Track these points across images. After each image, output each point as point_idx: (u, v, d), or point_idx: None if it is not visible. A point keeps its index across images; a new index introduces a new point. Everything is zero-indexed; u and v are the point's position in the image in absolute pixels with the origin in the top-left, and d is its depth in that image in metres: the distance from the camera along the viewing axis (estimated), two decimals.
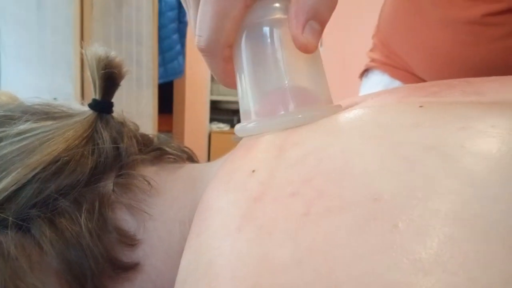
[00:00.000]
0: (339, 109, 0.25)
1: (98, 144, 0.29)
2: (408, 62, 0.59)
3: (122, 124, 0.32)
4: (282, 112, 0.24)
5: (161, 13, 2.07)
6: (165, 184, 0.30)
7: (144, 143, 0.32)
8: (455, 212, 0.14)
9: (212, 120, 3.37)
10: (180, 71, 2.33)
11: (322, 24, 0.24)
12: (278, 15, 0.24)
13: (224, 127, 3.39)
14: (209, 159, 3.06)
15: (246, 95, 0.25)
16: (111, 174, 0.29)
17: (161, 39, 2.11)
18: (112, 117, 0.32)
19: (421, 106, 0.21)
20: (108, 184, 0.29)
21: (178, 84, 2.96)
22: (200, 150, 3.10)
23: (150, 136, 0.34)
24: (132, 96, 1.82)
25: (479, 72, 0.48)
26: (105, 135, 0.30)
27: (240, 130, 0.25)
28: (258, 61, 0.25)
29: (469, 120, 0.19)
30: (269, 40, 0.24)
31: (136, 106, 1.86)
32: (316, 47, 0.24)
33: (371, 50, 0.67)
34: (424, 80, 0.57)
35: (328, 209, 0.16)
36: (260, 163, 0.21)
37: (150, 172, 0.31)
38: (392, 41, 0.61)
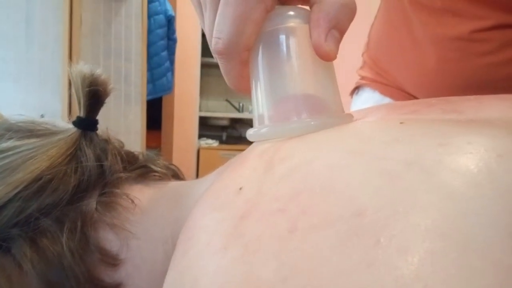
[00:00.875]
0: (350, 118, 0.25)
1: (81, 162, 0.29)
2: (398, 79, 0.59)
3: (107, 141, 0.32)
4: (295, 119, 0.24)
5: (150, 31, 2.08)
6: (150, 202, 0.30)
7: (129, 160, 0.32)
8: (435, 226, 0.15)
9: (200, 136, 3.37)
10: (168, 88, 2.34)
11: (342, 33, 0.24)
12: (295, 23, 0.25)
13: (213, 143, 3.39)
14: (197, 175, 3.04)
15: (260, 100, 0.25)
16: (95, 192, 0.29)
17: (150, 56, 2.12)
18: (97, 135, 0.32)
19: (401, 123, 0.21)
20: (91, 203, 0.28)
21: (167, 100, 2.96)
22: (188, 166, 3.09)
23: (135, 153, 0.34)
24: (120, 112, 1.81)
25: (468, 88, 0.49)
26: (89, 152, 0.30)
27: (253, 135, 0.25)
28: (273, 67, 0.25)
29: (447, 136, 0.19)
30: (285, 47, 0.24)
31: (124, 122, 1.85)
32: (336, 55, 0.24)
33: (361, 68, 0.67)
34: (414, 97, 0.57)
35: (313, 225, 0.16)
36: (248, 180, 0.21)
37: (134, 190, 0.30)
38: (382, 59, 0.61)
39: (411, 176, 0.17)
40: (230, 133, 3.72)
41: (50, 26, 1.44)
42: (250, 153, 0.24)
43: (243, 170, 0.22)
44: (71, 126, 0.31)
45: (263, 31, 0.24)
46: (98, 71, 0.32)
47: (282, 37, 0.24)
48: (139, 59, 1.96)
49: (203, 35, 3.31)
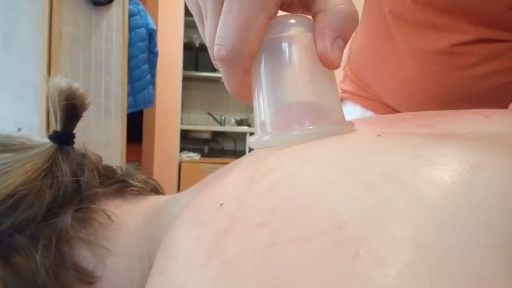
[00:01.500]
0: (351, 126, 0.25)
1: (57, 177, 0.29)
2: (379, 93, 0.60)
3: (84, 155, 0.32)
4: (298, 127, 0.24)
5: (131, 44, 2.07)
6: (127, 218, 0.30)
7: (106, 175, 0.32)
8: (412, 238, 0.15)
9: (182, 149, 3.35)
10: (150, 101, 2.32)
11: (346, 42, 0.24)
12: (298, 31, 0.25)
13: (195, 156, 3.37)
14: (179, 189, 3.01)
15: (263, 107, 0.25)
16: (70, 208, 0.28)
17: (131, 69, 2.10)
18: (73, 149, 0.31)
19: (379, 135, 0.22)
20: (67, 219, 0.28)
21: (148, 113, 2.94)
22: (169, 179, 3.06)
23: (113, 167, 0.34)
24: (100, 126, 1.79)
25: (449, 101, 0.50)
26: (65, 167, 0.29)
27: (255, 142, 0.25)
28: (276, 74, 0.25)
29: (422, 149, 0.19)
30: (288, 55, 0.25)
31: (104, 136, 1.82)
32: (341, 64, 0.24)
33: (342, 81, 0.67)
34: (396, 111, 0.58)
35: (293, 239, 0.16)
36: (229, 196, 0.21)
37: (111, 205, 0.30)
38: (363, 72, 0.62)
39: (389, 188, 0.17)
40: (212, 146, 3.71)
41: (29, 39, 1.42)
42: (232, 168, 0.24)
43: (224, 185, 0.22)
44: (47, 140, 0.31)
45: (266, 38, 0.24)
46: (76, 85, 0.31)
47: (285, 45, 0.25)
48: (119, 72, 1.95)
49: (185, 48, 3.32)
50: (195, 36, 3.51)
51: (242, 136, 3.52)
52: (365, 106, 0.62)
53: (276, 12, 0.24)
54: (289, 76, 0.25)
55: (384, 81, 0.59)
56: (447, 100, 0.51)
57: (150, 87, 2.30)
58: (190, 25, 3.36)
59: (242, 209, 0.19)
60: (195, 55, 3.43)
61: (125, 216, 0.30)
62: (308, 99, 0.24)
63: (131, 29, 2.07)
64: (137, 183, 0.33)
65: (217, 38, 0.24)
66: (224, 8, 0.23)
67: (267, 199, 0.19)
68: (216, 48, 0.24)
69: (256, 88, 0.25)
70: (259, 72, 0.25)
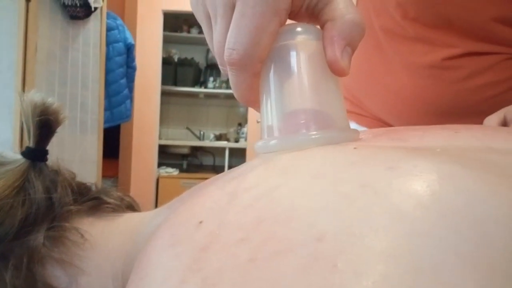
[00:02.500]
0: (356, 133, 0.26)
1: (29, 194, 0.28)
2: (372, 108, 0.61)
3: (57, 172, 0.31)
4: (304, 132, 0.24)
5: (108, 58, 2.06)
6: (101, 236, 0.29)
7: (80, 192, 0.31)
8: (387, 249, 0.15)
9: (160, 164, 3.31)
10: (127, 115, 2.30)
11: (354, 50, 0.25)
12: (306, 39, 0.25)
13: (173, 171, 3.33)
14: (156, 205, 2.97)
15: (270, 112, 0.25)
16: (43, 226, 0.28)
17: (108, 83, 2.08)
18: (46, 166, 0.31)
19: (355, 148, 0.22)
20: (39, 237, 0.27)
21: (125, 128, 2.90)
22: (147, 195, 3.01)
23: (87, 184, 0.33)
24: (76, 141, 1.76)
25: (441, 113, 0.52)
26: (38, 184, 0.29)
27: (262, 147, 0.25)
28: (284, 80, 0.25)
29: (396, 161, 0.20)
30: (296, 62, 0.25)
31: (79, 151, 1.79)
32: (349, 71, 0.25)
33: None
34: (390, 125, 0.59)
35: (274, 253, 0.16)
36: (209, 213, 0.20)
37: (85, 223, 0.29)
38: (356, 88, 0.63)
39: (366, 198, 0.17)
40: (191, 161, 3.68)
41: (3, 52, 1.39)
42: (210, 185, 0.24)
43: (203, 203, 0.22)
44: (19, 157, 0.30)
45: (274, 45, 0.25)
46: (50, 100, 0.31)
47: (293, 52, 0.25)
48: (96, 86, 1.93)
49: (164, 63, 3.31)
50: (174, 51, 3.51)
51: (221, 151, 3.51)
52: (359, 122, 0.62)
53: (286, 19, 0.25)
54: (297, 83, 0.25)
55: (377, 96, 0.59)
56: (439, 112, 0.52)
57: (128, 101, 2.28)
58: (169, 40, 3.36)
59: (222, 225, 0.19)
60: (174, 70, 3.42)
61: (99, 234, 0.29)
62: (314, 106, 0.25)
63: (108, 43, 2.06)
64: (112, 200, 0.32)
65: (229, 42, 0.24)
66: (236, 13, 0.24)
67: (248, 214, 0.19)
68: (227, 52, 0.24)
69: (264, 93, 0.26)
70: (268, 77, 0.25)
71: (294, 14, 0.26)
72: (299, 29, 0.25)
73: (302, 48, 0.25)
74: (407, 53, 0.53)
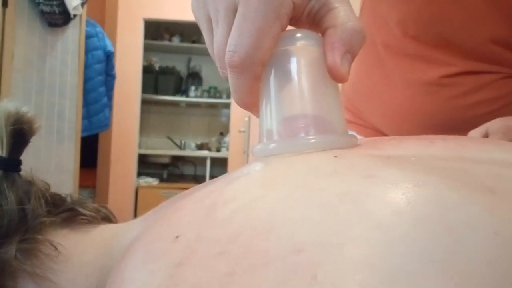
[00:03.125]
0: (355, 139, 0.26)
1: (1, 205, 0.27)
2: (372, 119, 0.62)
3: (30, 183, 0.30)
4: (303, 136, 0.24)
5: (87, 66, 2.03)
6: (75, 249, 0.28)
7: (54, 203, 0.30)
8: (365, 258, 0.15)
9: (140, 174, 3.27)
10: (106, 124, 2.27)
11: (354, 57, 0.25)
12: (306, 45, 0.26)
13: (153, 181, 3.29)
14: (135, 216, 2.93)
15: (269, 116, 0.26)
16: (15, 238, 0.27)
17: (86, 91, 2.06)
18: (20, 176, 0.30)
19: (335, 156, 0.22)
20: (11, 250, 0.26)
21: (104, 137, 2.86)
22: (126, 206, 2.97)
23: (62, 195, 0.32)
24: (52, 150, 1.72)
25: (437, 127, 0.53)
26: (10, 195, 0.28)
27: (261, 150, 0.25)
28: (284, 85, 0.25)
29: (373, 169, 0.20)
30: (296, 68, 0.25)
31: (56, 160, 1.75)
32: (348, 78, 0.25)
33: None
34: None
35: (253, 266, 0.16)
36: (186, 227, 0.20)
37: (59, 235, 0.28)
38: (357, 99, 0.64)
39: (345, 207, 0.17)
40: (172, 171, 3.65)
41: None
42: (188, 198, 0.23)
43: (180, 217, 0.22)
44: None
45: (275, 50, 0.25)
46: (25, 109, 0.30)
47: (294, 58, 0.25)
48: (74, 94, 1.90)
49: (145, 71, 3.29)
50: (155, 59, 3.49)
51: (203, 161, 3.50)
52: (360, 133, 0.64)
53: (287, 24, 0.25)
54: (297, 88, 0.25)
55: (377, 108, 0.61)
56: (436, 127, 0.54)
57: (107, 110, 2.25)
58: (150, 48, 3.35)
59: (200, 240, 0.18)
60: (155, 78, 3.40)
61: (73, 247, 0.28)
62: (313, 111, 0.25)
63: (87, 51, 2.04)
64: (87, 212, 0.31)
65: (230, 44, 0.24)
66: (238, 16, 0.24)
67: (227, 227, 0.18)
68: (228, 54, 0.24)
69: (263, 97, 0.26)
70: (268, 82, 0.26)
71: (295, 21, 0.26)
72: (299, 35, 0.26)
73: (302, 54, 0.26)
74: (407, 70, 0.55)
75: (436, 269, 0.15)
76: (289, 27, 0.26)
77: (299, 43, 0.26)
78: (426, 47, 0.52)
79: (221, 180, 0.25)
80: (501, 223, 0.16)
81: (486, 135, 0.41)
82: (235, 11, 0.24)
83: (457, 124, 0.53)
